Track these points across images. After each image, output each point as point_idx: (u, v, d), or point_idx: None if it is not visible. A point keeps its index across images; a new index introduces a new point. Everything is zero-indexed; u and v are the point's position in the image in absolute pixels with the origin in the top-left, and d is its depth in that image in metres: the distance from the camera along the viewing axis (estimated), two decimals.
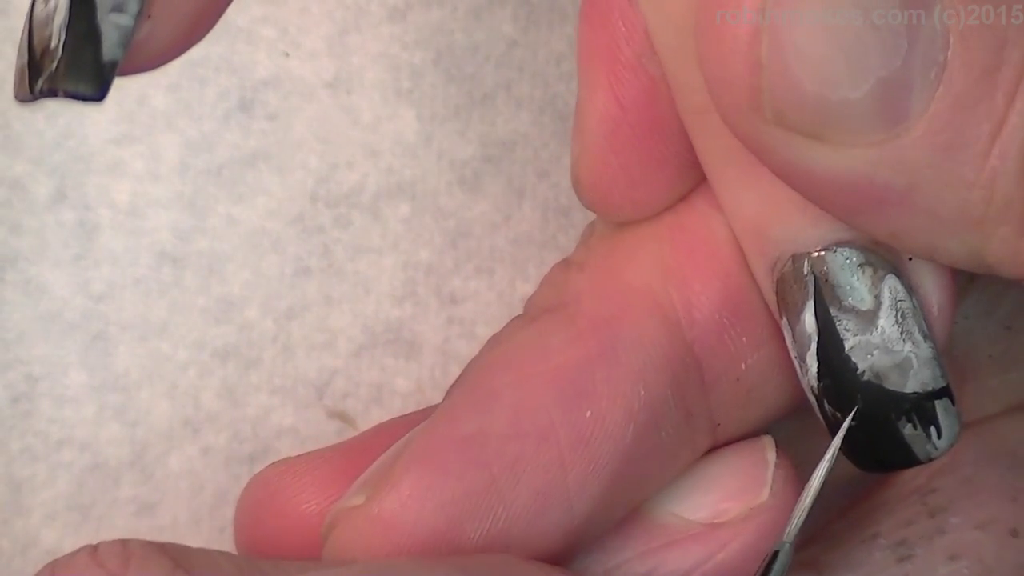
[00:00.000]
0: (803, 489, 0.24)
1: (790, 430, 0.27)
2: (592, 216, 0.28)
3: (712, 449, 0.26)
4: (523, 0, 0.34)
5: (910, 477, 0.28)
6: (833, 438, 0.24)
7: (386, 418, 0.33)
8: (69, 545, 0.32)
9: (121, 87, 0.33)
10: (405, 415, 0.29)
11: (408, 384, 0.33)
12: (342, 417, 0.33)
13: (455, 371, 0.33)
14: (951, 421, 0.24)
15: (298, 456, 0.27)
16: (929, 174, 0.21)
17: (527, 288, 0.34)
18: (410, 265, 0.33)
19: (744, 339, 0.25)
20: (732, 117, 0.22)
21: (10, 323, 0.32)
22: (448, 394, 0.26)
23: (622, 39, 0.25)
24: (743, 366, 0.25)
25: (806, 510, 0.24)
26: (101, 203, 0.33)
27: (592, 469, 0.24)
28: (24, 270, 0.32)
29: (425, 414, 0.27)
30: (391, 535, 0.24)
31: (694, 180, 0.26)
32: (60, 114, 0.33)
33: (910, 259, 0.24)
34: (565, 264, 0.27)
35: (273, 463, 0.27)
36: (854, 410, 0.24)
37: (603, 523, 0.25)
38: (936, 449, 0.24)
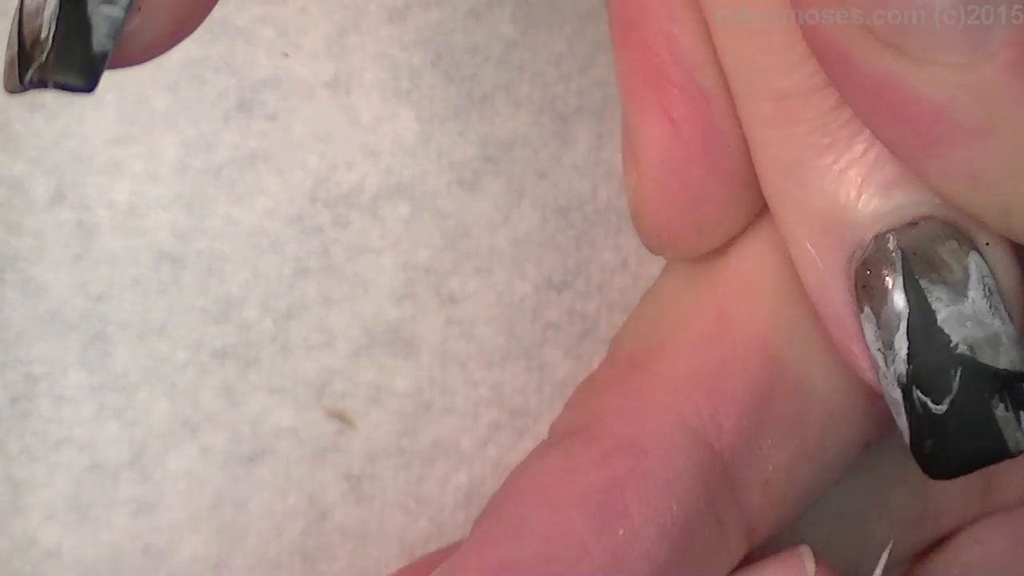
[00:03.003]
0: None
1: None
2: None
3: (748, 560, 0.26)
4: (523, 1, 0.34)
5: (942, 569, 0.27)
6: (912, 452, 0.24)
7: (385, 418, 0.33)
8: (68, 545, 0.32)
9: (121, 87, 0.33)
10: (427, 556, 0.29)
11: (407, 384, 0.33)
12: (341, 417, 0.33)
13: (454, 371, 0.33)
14: None
15: None
16: (1010, 107, 0.21)
17: (526, 288, 0.34)
18: (409, 265, 0.33)
19: (769, 440, 0.25)
20: (817, 24, 0.21)
21: (9, 323, 0.32)
22: (475, 526, 0.26)
23: (669, 61, 0.25)
24: (769, 467, 0.25)
25: None
26: (100, 203, 0.33)
27: None
28: (23, 270, 0.32)
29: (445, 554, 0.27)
30: None
31: (756, 198, 0.26)
32: (59, 114, 0.33)
33: (987, 244, 0.23)
34: (589, 383, 0.27)
35: None
36: (889, 546, 0.24)
37: None
38: None
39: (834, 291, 0.24)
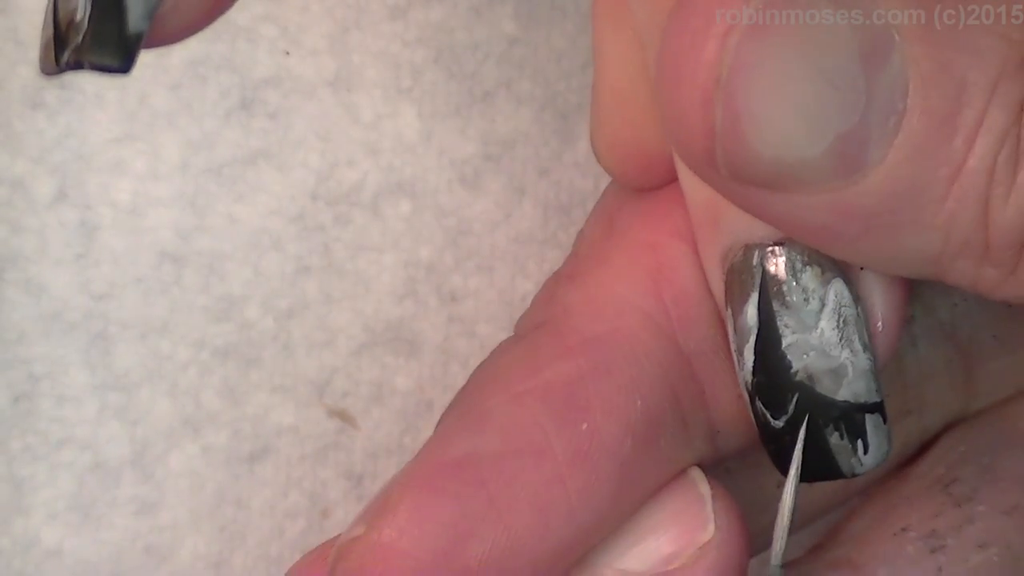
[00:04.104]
0: (779, 511, 0.24)
1: None
2: (585, 215, 0.28)
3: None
4: None
5: (927, 469, 0.28)
6: (799, 439, 0.24)
7: (386, 416, 0.33)
8: (70, 545, 0.32)
9: (122, 86, 0.33)
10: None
11: (408, 382, 0.33)
12: (342, 416, 0.33)
13: (455, 369, 0.33)
14: (880, 439, 0.24)
15: (326, 544, 0.26)
16: (885, 218, 0.21)
17: (528, 286, 0.33)
18: (410, 263, 0.33)
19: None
20: (691, 166, 0.22)
21: (11, 322, 0.32)
22: (440, 421, 0.26)
23: (629, 11, 0.25)
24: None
25: (786, 528, 0.24)
26: (102, 202, 0.33)
27: (593, 481, 0.24)
28: (25, 269, 0.32)
29: None
30: (393, 561, 0.23)
31: None
32: (61, 113, 0.33)
33: (861, 268, 0.23)
34: (555, 278, 0.27)
35: (299, 561, 0.26)
36: (805, 423, 0.24)
37: (609, 528, 0.25)
38: (861, 464, 0.24)
39: (711, 276, 0.25)
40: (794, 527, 0.24)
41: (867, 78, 0.20)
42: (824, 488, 0.27)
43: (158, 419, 0.33)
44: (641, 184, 0.26)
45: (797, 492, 0.24)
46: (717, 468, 0.26)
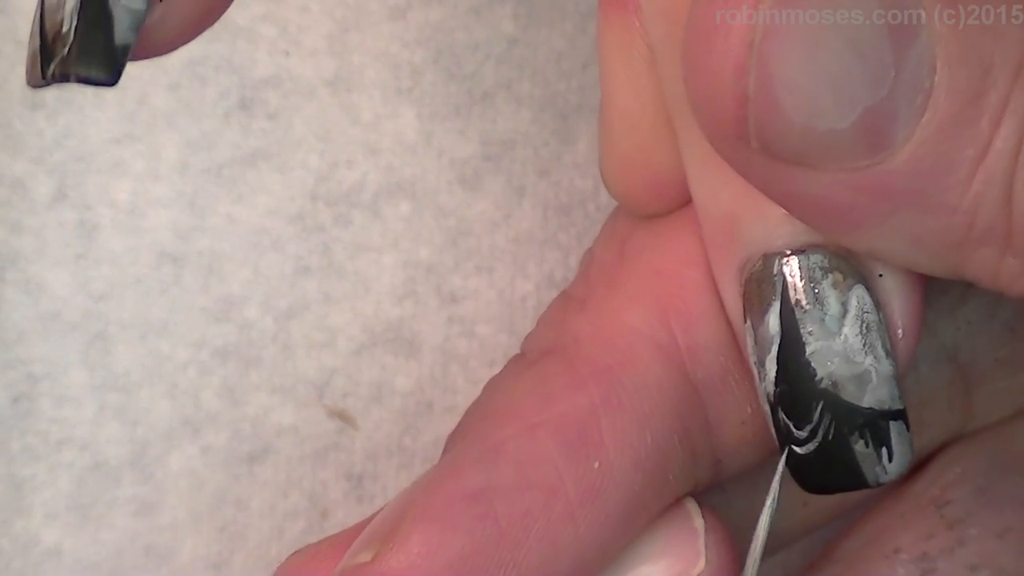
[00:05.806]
0: (752, 539, 0.24)
1: None
2: (593, 231, 0.28)
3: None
4: None
5: (922, 490, 0.27)
6: (780, 463, 0.24)
7: (386, 417, 0.33)
8: (69, 545, 0.32)
9: (122, 87, 0.33)
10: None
11: (408, 383, 0.33)
12: (342, 416, 0.33)
13: (455, 370, 0.33)
14: (904, 447, 0.23)
15: (323, 540, 0.26)
16: (911, 199, 0.21)
17: (527, 286, 0.34)
18: (410, 264, 0.33)
19: (748, 383, 0.25)
20: (717, 142, 0.22)
21: (10, 323, 0.32)
22: (450, 445, 0.26)
23: (637, 34, 0.25)
24: (748, 410, 0.25)
25: (758, 559, 0.24)
26: (101, 202, 0.33)
27: (603, 519, 0.24)
28: (24, 269, 0.32)
29: None
30: None
31: None
32: (60, 113, 0.33)
33: (880, 275, 0.23)
34: (564, 300, 0.27)
35: (298, 552, 0.26)
36: (786, 450, 0.23)
37: (611, 558, 0.25)
38: (886, 473, 0.23)
39: (726, 291, 0.25)
40: (772, 548, 0.24)
41: (895, 53, 0.20)
42: (823, 502, 0.27)
43: (158, 419, 0.33)
44: (651, 210, 0.26)
45: (773, 518, 0.24)
46: (712, 487, 0.26)
